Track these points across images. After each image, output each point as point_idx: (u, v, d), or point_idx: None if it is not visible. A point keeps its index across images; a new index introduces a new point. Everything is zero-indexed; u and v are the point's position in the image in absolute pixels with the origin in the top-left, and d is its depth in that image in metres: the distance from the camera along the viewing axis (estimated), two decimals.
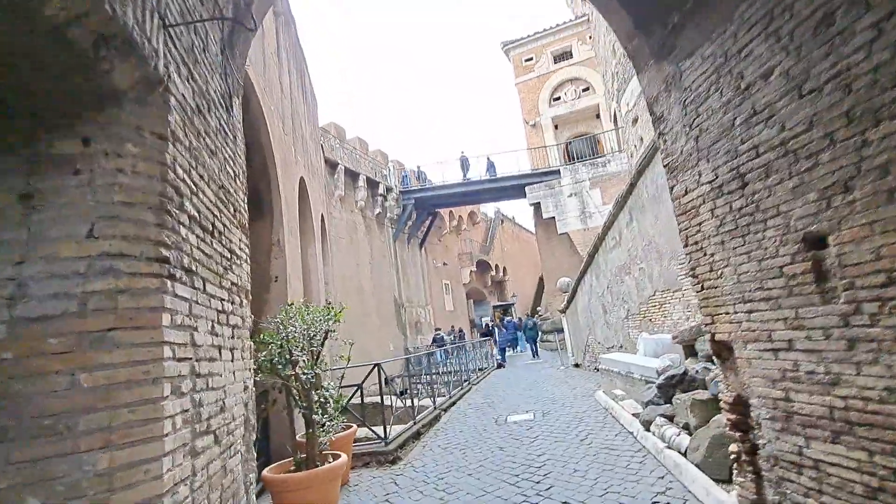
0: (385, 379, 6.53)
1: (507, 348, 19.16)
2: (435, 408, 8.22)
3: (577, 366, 12.27)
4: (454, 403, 9.13)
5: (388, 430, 5.90)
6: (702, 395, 4.67)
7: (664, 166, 3.19)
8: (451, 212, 25.91)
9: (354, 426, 5.24)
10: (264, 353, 4.09)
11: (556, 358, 15.48)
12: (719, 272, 2.75)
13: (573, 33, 22.08)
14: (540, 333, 20.09)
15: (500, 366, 15.54)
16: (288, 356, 4.09)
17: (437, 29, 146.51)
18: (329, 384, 5.08)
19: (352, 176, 17.76)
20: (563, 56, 22.35)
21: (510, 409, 7.94)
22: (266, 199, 6.07)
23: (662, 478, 4.00)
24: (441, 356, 12.51)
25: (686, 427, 4.68)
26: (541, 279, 30.15)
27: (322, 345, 4.45)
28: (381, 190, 19.22)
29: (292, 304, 4.85)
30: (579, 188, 17.35)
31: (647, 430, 4.99)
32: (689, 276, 2.99)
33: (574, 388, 9.07)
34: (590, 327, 10.54)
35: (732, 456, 2.81)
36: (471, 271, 27.42)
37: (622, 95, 15.78)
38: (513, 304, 30.76)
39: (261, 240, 6.00)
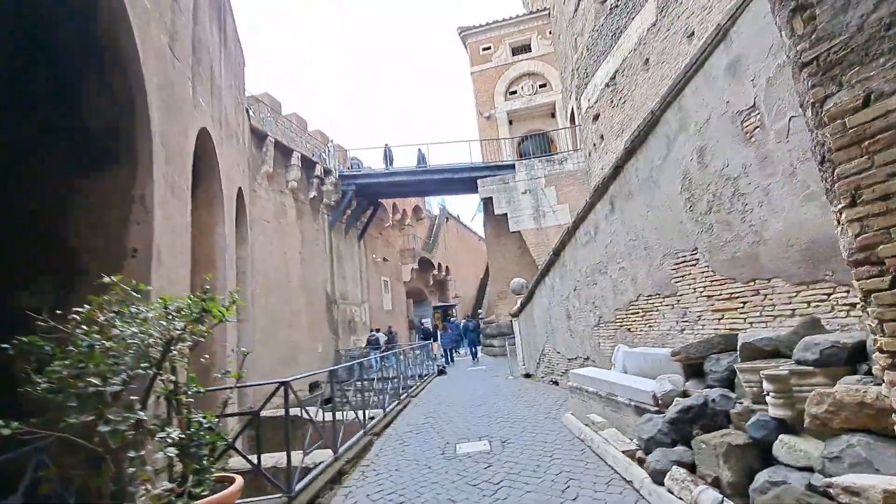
0: (298, 402, 4.77)
1: (451, 350, 17.78)
2: (365, 432, 6.52)
3: (528, 376, 11.05)
4: (390, 423, 7.47)
5: (293, 476, 4.14)
6: (737, 439, 3.41)
7: (801, 65, 1.78)
8: (394, 204, 24.12)
9: (238, 479, 3.44)
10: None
11: (502, 365, 14.24)
12: None
13: (533, 26, 21.19)
14: (481, 337, 18.98)
15: (441, 372, 14.04)
16: (100, 381, 2.25)
17: (393, 13, 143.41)
18: (200, 419, 3.26)
19: (284, 152, 15.49)
20: (522, 49, 21.39)
21: (459, 433, 6.42)
22: (125, 136, 4.09)
23: None
24: (376, 362, 10.76)
25: (716, 484, 3.39)
26: (483, 281, 29.18)
27: (163, 358, 2.65)
28: (318, 172, 17.07)
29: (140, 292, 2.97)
30: (534, 185, 16.31)
31: (659, 483, 3.66)
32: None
33: (532, 405, 7.75)
34: (548, 334, 9.33)
35: None
36: (412, 269, 25.76)
37: (582, 92, 14.92)
38: (454, 306, 29.49)
39: (110, 194, 4.01)
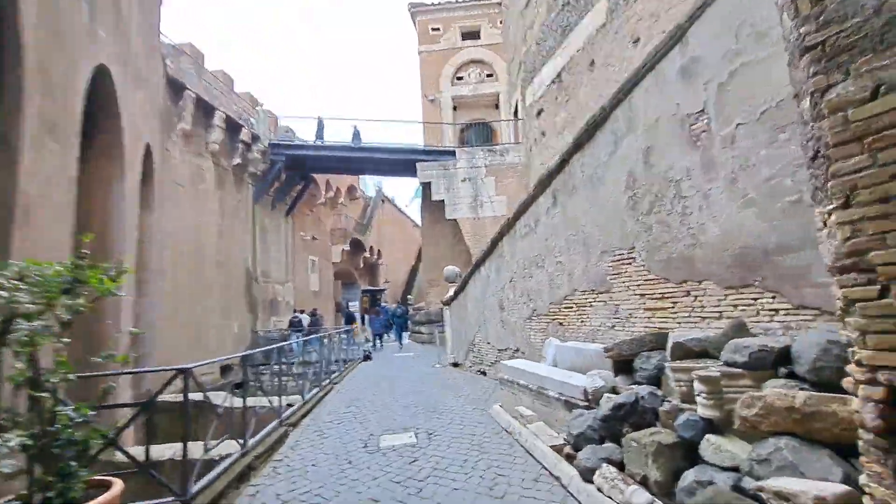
0: (201, 390, 4.18)
1: (380, 336, 17.38)
2: (280, 422, 5.98)
3: (455, 365, 10.98)
4: (309, 412, 6.97)
5: (191, 474, 3.59)
6: (666, 438, 3.42)
7: (804, 50, 1.62)
8: (328, 181, 22.97)
9: (116, 483, 2.86)
10: None
11: (429, 353, 14.11)
12: None
13: (484, 13, 20.96)
14: (409, 323, 18.79)
15: (367, 357, 13.60)
16: None
17: None
18: (69, 412, 2.64)
19: (206, 111, 13.97)
20: (472, 35, 21.11)
21: (383, 424, 6.11)
22: None
23: None
24: (297, 345, 10.09)
25: (644, 483, 3.39)
26: (414, 267, 28.97)
27: (1, 338, 2.04)
28: (244, 136, 15.65)
29: None
30: (474, 174, 16.22)
31: (588, 480, 3.60)
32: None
33: (460, 395, 7.62)
34: (480, 324, 9.26)
35: None
36: (343, 250, 24.82)
37: (528, 86, 14.97)
38: (384, 291, 28.96)
39: None
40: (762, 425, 2.83)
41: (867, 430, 1.48)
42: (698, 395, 3.35)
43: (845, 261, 1.52)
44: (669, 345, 4.13)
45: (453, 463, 4.52)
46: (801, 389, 3.06)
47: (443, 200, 16.30)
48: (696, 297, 4.45)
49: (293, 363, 7.93)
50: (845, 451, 2.60)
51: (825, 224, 1.63)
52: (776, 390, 2.86)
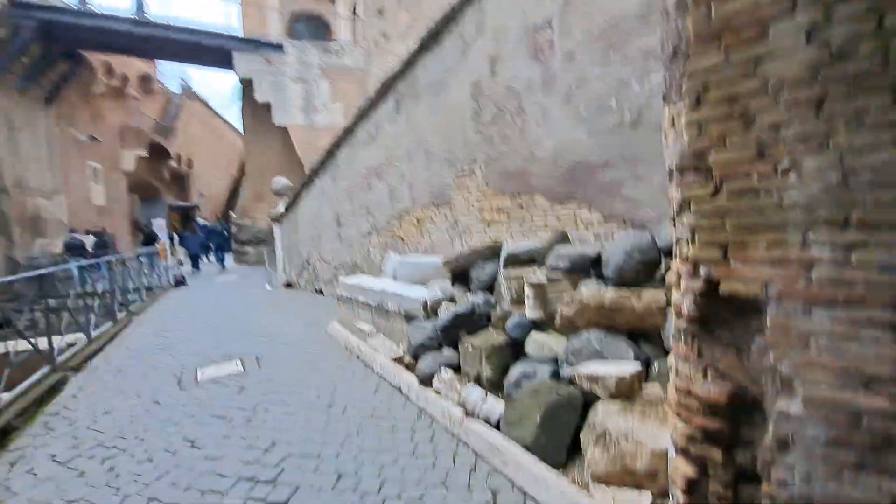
0: None
1: (198, 257, 15.20)
2: (55, 367, 4.74)
3: (289, 285, 10.28)
4: (99, 351, 5.70)
5: None
6: (497, 339, 3.65)
7: None
8: (109, 65, 17.79)
9: None
10: None
11: (258, 274, 12.97)
12: (784, 165, 1.35)
13: None
14: (232, 243, 16.91)
15: (179, 283, 11.81)
16: None
17: None
18: None
19: None
20: None
21: (203, 355, 5.36)
22: None
23: (475, 470, 2.73)
24: (77, 272, 8.07)
25: (478, 381, 3.61)
26: (237, 179, 25.72)
27: None
28: None
29: None
30: (306, 74, 14.34)
31: (428, 385, 3.69)
32: (686, 172, 1.52)
33: (294, 316, 7.15)
34: (315, 241, 8.65)
35: (685, 481, 1.64)
36: (139, 157, 20.24)
37: None
38: (198, 206, 25.12)
39: None
40: (578, 321, 3.19)
41: (683, 318, 1.63)
42: (527, 298, 3.61)
43: (688, 161, 1.55)
44: (503, 255, 4.35)
45: (286, 386, 4.21)
46: (611, 288, 3.54)
47: (269, 103, 14.17)
48: (528, 209, 4.70)
49: (68, 295, 6.26)
50: (636, 337, 3.11)
51: (673, 124, 1.64)
52: (589, 290, 3.22)
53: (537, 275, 3.76)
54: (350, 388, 4.08)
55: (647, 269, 3.50)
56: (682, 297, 1.62)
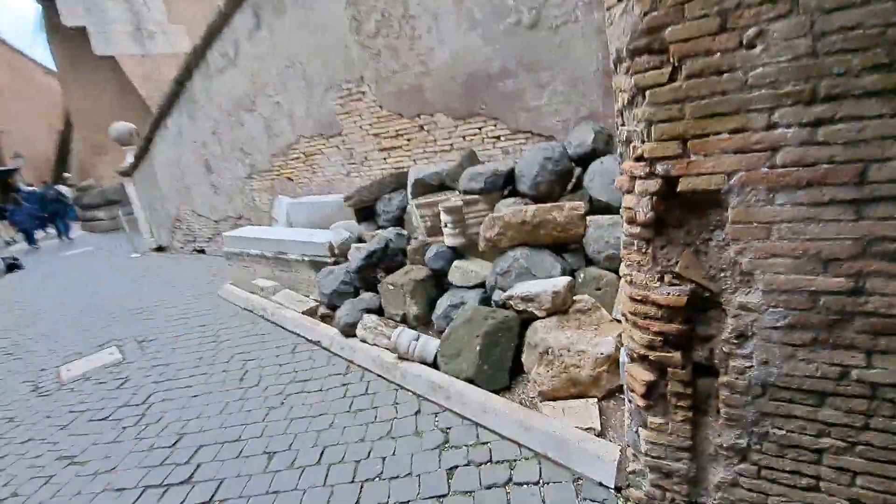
0: None
1: (31, 232, 12.47)
2: None
3: (160, 249, 8.86)
4: None
5: None
6: (419, 273, 3.43)
7: None
8: None
9: None
10: None
11: (118, 241, 11.04)
12: (749, 34, 1.18)
13: None
14: (71, 207, 14.16)
15: (12, 267, 9.60)
16: None
17: None
18: None
19: None
20: None
21: (64, 349, 4.41)
22: None
23: (420, 412, 2.58)
24: None
25: (404, 321, 3.39)
26: (64, 132, 21.11)
27: None
28: None
29: None
30: None
31: (351, 335, 3.38)
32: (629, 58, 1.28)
33: (175, 283, 6.18)
34: (183, 194, 7.37)
35: (644, 385, 1.61)
36: None
37: None
38: (16, 170, 20.23)
39: None
40: (502, 242, 3.05)
41: (636, 223, 1.50)
42: (444, 226, 3.38)
43: (640, 41, 1.33)
44: (410, 183, 4.01)
45: (184, 367, 3.62)
46: (528, 205, 3.44)
47: (84, 28, 11.19)
48: (428, 131, 4.34)
49: None
50: (558, 249, 3.08)
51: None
52: (512, 209, 3.07)
53: (452, 199, 3.51)
54: (263, 354, 3.63)
55: (561, 179, 3.44)
56: (638, 201, 1.47)
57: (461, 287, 3.36)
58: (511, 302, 2.70)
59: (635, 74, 1.37)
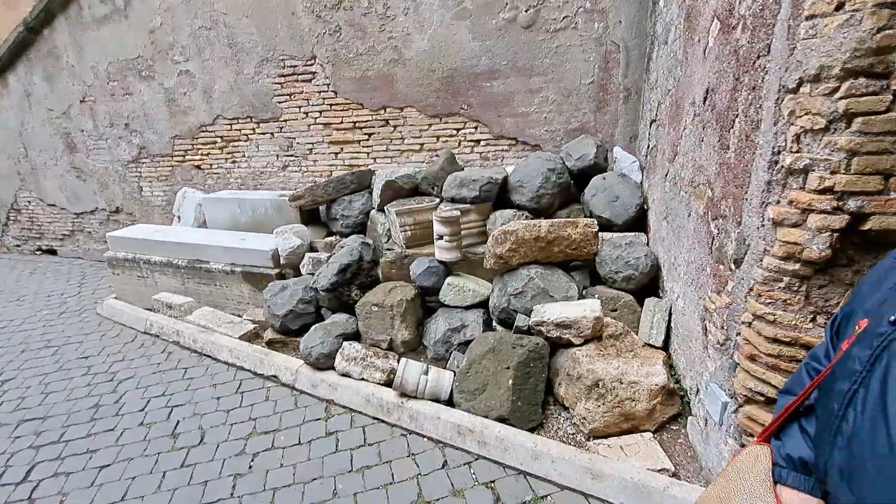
0: None
1: None
2: None
3: None
4: None
5: None
6: (407, 292, 2.96)
7: None
8: None
9: None
10: None
11: None
12: None
13: None
14: None
15: None
16: None
17: None
18: None
19: None
20: None
21: None
22: None
23: (449, 465, 2.15)
24: None
25: (391, 347, 2.88)
26: None
27: None
28: None
29: None
30: None
31: (327, 368, 2.75)
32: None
33: (20, 296, 4.57)
34: (26, 178, 5.53)
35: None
36: None
37: None
38: None
39: None
40: (513, 259, 2.76)
41: (801, 260, 1.35)
42: (438, 238, 2.96)
43: (861, 61, 1.16)
44: (379, 185, 3.47)
45: (72, 422, 2.60)
46: (526, 217, 3.19)
47: None
48: (395, 126, 3.84)
49: None
50: (565, 267, 2.91)
51: (839, 7, 1.19)
52: (522, 222, 2.80)
53: (445, 209, 3.10)
54: (196, 397, 2.78)
55: (561, 193, 3.27)
56: (812, 237, 1.32)
57: (455, 307, 2.98)
58: (542, 328, 2.43)
59: (845, 98, 1.20)
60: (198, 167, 4.57)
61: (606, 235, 2.89)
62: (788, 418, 0.85)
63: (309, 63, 3.85)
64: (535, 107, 3.46)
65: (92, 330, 3.72)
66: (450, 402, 2.44)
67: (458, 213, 2.97)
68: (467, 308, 2.96)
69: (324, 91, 3.89)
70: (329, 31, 3.71)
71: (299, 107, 4.01)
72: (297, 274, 3.51)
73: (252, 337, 3.31)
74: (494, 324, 2.85)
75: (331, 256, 3.34)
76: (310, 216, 3.93)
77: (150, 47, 4.29)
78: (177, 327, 3.44)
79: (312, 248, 3.62)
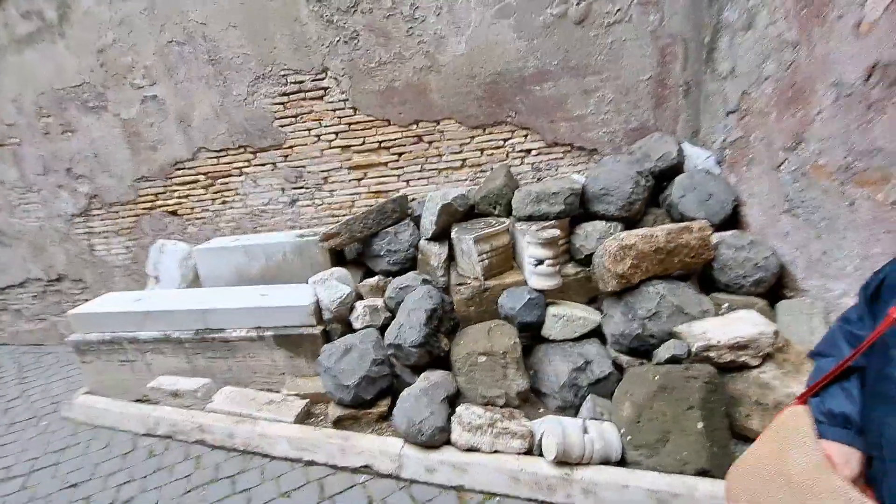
0: None
1: None
2: None
3: None
4: None
5: None
6: (507, 334, 2.47)
7: None
8: None
9: None
10: None
11: None
12: None
13: None
14: None
15: None
16: None
17: None
18: None
19: None
20: None
21: None
22: None
23: None
24: None
25: (507, 403, 2.34)
26: None
27: None
28: None
29: None
30: None
31: (440, 445, 2.16)
32: None
33: None
34: None
35: None
36: None
37: None
38: None
39: None
40: (635, 277, 2.40)
41: None
42: (536, 264, 2.52)
43: None
44: (433, 209, 2.96)
45: None
46: (623, 229, 2.85)
47: None
48: (430, 143, 3.36)
49: None
50: (683, 277, 2.60)
51: None
52: (638, 234, 2.45)
53: (544, 229, 2.66)
54: None
55: (650, 197, 2.98)
56: None
57: (562, 341, 2.55)
58: (711, 353, 2.07)
59: None
60: (173, 213, 3.71)
61: (723, 236, 2.63)
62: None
63: (319, 77, 3.26)
64: (591, 108, 3.17)
65: (66, 443, 2.77)
66: (621, 462, 1.99)
67: (559, 231, 2.56)
68: (575, 340, 2.55)
69: (340, 108, 3.31)
70: (344, 39, 3.16)
71: (309, 129, 3.38)
72: (348, 329, 2.87)
73: (304, 417, 2.62)
74: (614, 354, 2.46)
75: (397, 303, 2.76)
76: (336, 257, 3.30)
77: (98, 71, 3.43)
78: (198, 421, 2.64)
79: (360, 297, 3.00)
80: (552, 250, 2.50)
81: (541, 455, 2.07)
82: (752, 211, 2.76)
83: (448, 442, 2.19)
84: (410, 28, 3.11)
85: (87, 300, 3.99)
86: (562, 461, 1.97)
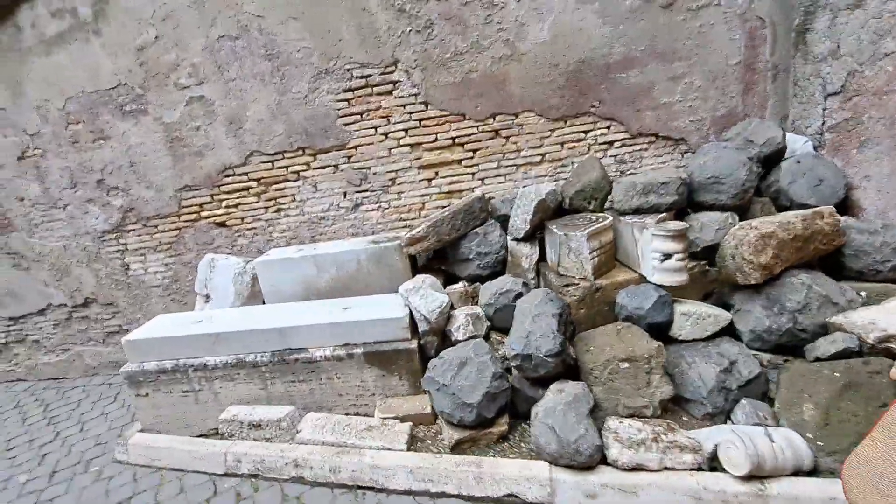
0: None
1: None
2: None
3: None
4: None
5: None
6: (637, 336, 2.26)
7: None
8: None
9: None
10: None
11: None
12: None
13: None
14: None
15: None
16: None
17: None
18: None
19: None
20: None
21: None
22: None
23: None
24: None
25: (654, 413, 2.11)
26: None
27: None
28: None
29: None
30: None
31: (596, 465, 1.91)
32: None
33: None
34: None
35: None
36: None
37: None
38: None
39: None
40: (776, 267, 2.23)
41: None
42: (663, 259, 2.32)
43: None
44: (527, 206, 2.73)
45: None
46: (740, 219, 2.67)
47: None
48: (508, 137, 3.15)
49: None
50: (808, 266, 2.44)
51: None
52: (774, 221, 2.29)
53: (670, 221, 2.47)
54: None
55: (759, 184, 2.84)
56: None
57: (692, 341, 2.35)
58: (892, 343, 1.90)
59: None
60: (221, 224, 3.38)
61: (847, 220, 2.50)
62: None
63: (388, 70, 3.02)
64: (678, 95, 3.02)
65: (130, 491, 2.39)
66: (811, 472, 1.78)
67: (688, 224, 2.37)
68: (706, 340, 2.35)
69: (410, 104, 3.08)
70: (416, 28, 2.94)
71: (375, 127, 3.13)
72: (444, 341, 2.61)
73: (411, 442, 2.33)
74: (752, 352, 2.27)
75: (496, 310, 2.52)
76: (413, 264, 3.04)
77: (137, 71, 3.10)
78: (290, 455, 2.32)
79: (454, 305, 2.74)
80: (681, 243, 2.30)
81: (714, 469, 1.84)
82: (868, 195, 2.64)
83: (602, 462, 1.94)
84: (489, 15, 2.91)
85: (119, 326, 3.60)
86: (752, 476, 1.75)
